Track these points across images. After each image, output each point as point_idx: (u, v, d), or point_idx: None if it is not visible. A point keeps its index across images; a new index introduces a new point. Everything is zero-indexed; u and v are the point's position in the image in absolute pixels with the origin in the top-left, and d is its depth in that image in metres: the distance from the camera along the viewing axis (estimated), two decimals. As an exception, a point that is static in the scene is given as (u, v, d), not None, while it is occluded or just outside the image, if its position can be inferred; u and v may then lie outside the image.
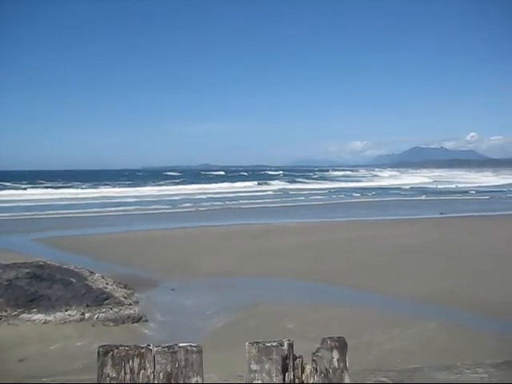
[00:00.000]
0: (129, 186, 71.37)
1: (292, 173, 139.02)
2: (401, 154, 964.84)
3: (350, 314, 10.74)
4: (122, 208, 37.14)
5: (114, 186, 69.88)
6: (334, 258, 16.75)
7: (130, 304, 11.47)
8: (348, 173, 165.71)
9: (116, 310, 11.01)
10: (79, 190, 60.24)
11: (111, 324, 10.67)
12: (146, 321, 10.79)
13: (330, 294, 12.73)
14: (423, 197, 49.89)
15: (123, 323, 10.67)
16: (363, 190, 61.03)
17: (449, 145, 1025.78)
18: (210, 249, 18.66)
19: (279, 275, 14.60)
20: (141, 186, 70.99)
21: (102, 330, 10.26)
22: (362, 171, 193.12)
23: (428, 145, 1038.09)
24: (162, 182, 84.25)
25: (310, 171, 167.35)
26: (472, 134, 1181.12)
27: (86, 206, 37.87)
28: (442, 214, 30.76)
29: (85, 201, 43.92)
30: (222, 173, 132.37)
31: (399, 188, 66.48)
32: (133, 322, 10.74)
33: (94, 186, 69.23)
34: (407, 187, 67.80)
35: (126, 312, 10.96)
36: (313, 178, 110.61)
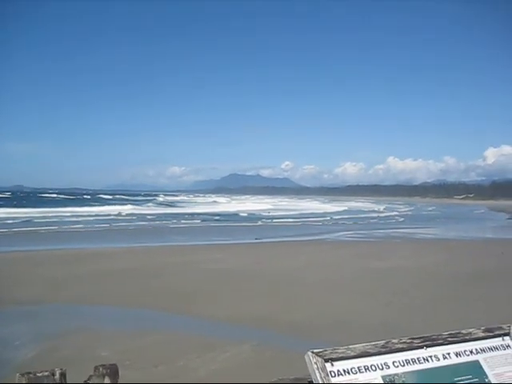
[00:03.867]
0: None
1: (124, 197, 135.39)
2: (219, 180, 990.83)
3: (169, 340, 10.78)
4: None
5: None
6: (155, 282, 16.70)
7: None
8: (184, 198, 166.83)
9: None
10: None
11: None
12: None
13: (150, 319, 12.65)
14: (259, 222, 51.94)
15: None
16: (203, 216, 62.27)
17: (265, 172, 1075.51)
18: (18, 275, 17.43)
19: (96, 302, 14.12)
20: None
21: None
22: (188, 196, 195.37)
23: (245, 172, 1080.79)
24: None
25: (138, 195, 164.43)
26: (287, 162, 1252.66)
27: None
28: (256, 239, 32.30)
29: None
30: (54, 195, 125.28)
31: (236, 214, 68.44)
32: None
33: None
34: (245, 214, 69.69)
35: None
36: (154, 203, 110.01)
